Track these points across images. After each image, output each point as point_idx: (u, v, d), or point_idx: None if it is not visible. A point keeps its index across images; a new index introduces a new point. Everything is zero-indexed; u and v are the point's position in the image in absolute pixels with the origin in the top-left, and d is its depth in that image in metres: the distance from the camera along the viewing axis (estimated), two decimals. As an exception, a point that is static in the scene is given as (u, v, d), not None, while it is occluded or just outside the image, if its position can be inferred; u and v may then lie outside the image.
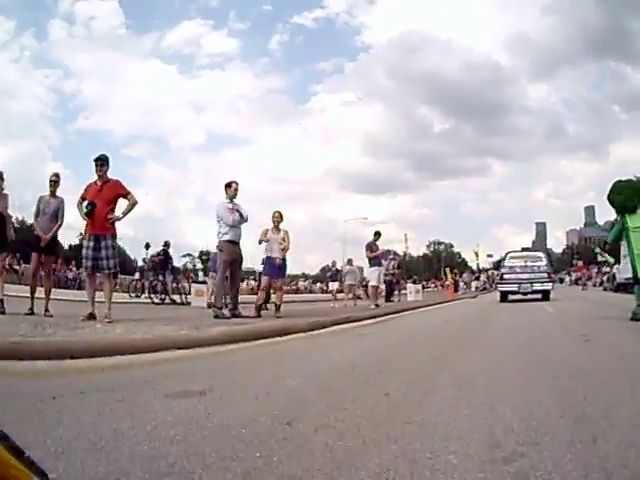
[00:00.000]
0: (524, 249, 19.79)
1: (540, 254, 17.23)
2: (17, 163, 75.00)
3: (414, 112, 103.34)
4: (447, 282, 25.15)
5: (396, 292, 18.20)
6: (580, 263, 51.55)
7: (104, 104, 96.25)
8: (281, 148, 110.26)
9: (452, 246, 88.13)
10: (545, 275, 15.17)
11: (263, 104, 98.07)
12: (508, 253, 17.57)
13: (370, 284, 12.49)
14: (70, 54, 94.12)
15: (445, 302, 17.00)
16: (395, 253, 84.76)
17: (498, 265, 19.54)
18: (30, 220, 9.01)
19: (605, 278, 27.61)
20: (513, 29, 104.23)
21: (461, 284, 30.98)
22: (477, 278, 35.96)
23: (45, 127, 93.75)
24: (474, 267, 45.88)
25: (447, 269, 33.41)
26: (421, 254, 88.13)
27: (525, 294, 15.23)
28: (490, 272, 45.26)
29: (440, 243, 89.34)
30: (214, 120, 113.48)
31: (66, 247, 39.32)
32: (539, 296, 14.97)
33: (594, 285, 31.30)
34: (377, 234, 11.97)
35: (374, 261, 11.85)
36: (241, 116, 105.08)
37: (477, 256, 46.27)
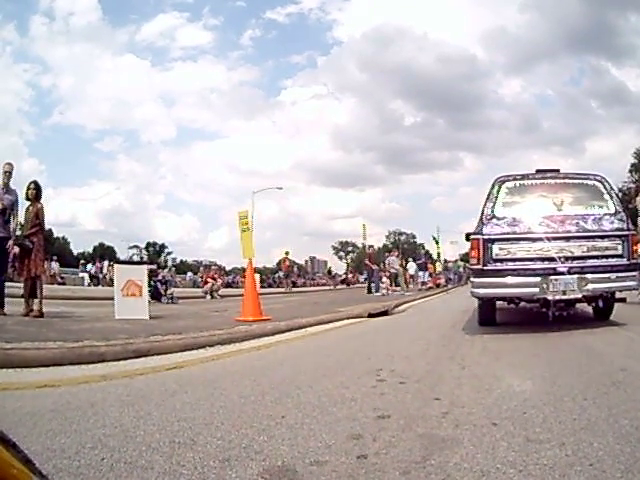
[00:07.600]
0: (540, 171, 5.97)
1: (594, 182, 5.81)
2: (-7, 159, 69.65)
3: (386, 105, 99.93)
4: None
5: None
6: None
7: (78, 99, 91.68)
8: (251, 141, 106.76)
9: (414, 237, 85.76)
10: (619, 244, 5.44)
11: (234, 97, 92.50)
12: (503, 182, 5.91)
13: None
14: (49, 49, 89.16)
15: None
16: (354, 245, 79.58)
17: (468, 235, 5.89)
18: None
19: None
20: (491, 23, 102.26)
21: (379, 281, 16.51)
22: (423, 267, 21.50)
23: (22, 122, 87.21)
24: (436, 258, 35.92)
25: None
26: (381, 245, 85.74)
27: (559, 304, 5.42)
28: (451, 263, 37.53)
29: (401, 233, 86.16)
30: (185, 113, 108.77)
31: None
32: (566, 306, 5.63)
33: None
34: None
35: None
36: (212, 109, 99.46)
37: (437, 243, 37.39)
